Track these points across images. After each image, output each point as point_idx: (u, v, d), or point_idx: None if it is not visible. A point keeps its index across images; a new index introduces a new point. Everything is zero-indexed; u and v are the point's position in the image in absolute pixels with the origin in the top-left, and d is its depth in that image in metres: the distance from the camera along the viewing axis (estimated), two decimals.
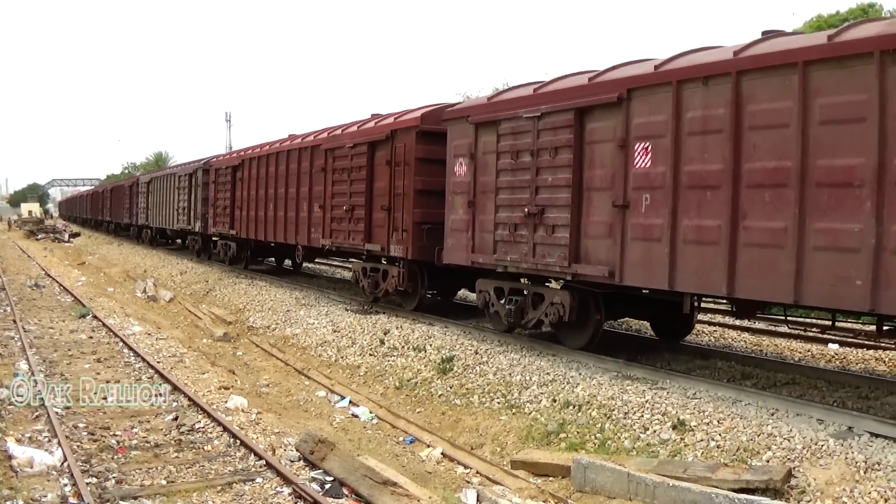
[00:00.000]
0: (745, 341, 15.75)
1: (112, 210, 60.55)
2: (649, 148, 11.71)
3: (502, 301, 15.04)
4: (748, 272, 10.44)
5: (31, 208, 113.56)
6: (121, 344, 16.68)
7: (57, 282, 29.25)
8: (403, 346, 16.03)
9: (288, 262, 30.94)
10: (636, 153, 11.92)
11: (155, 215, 43.42)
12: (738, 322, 16.49)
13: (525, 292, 14.73)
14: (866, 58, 9.24)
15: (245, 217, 29.11)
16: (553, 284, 14.42)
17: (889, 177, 9.02)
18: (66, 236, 66.22)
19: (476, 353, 14.51)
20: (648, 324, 16.02)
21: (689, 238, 11.16)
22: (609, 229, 12.41)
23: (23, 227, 78.56)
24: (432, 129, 17.30)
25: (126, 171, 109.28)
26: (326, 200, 21.66)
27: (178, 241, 41.07)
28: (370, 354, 16.31)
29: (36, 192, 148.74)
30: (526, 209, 13.89)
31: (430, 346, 15.56)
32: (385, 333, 16.99)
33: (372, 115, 21.11)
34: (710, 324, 17.24)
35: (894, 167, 8.99)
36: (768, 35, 11.31)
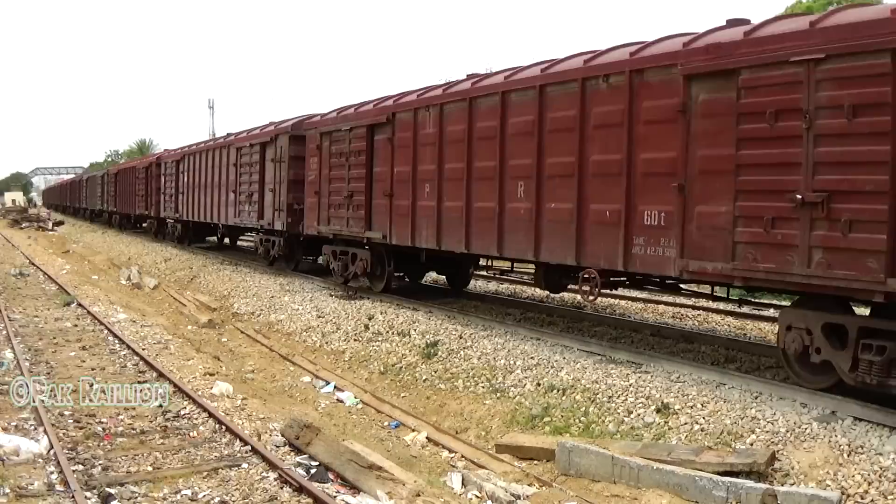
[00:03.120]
0: (728, 325, 15.83)
1: (70, 198, 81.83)
2: None
3: None
4: None
5: (14, 197, 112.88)
6: (106, 331, 16.62)
7: (41, 270, 29.09)
8: (388, 331, 16.05)
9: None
10: None
11: (91, 201, 66.05)
12: (721, 306, 16.53)
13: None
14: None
15: (122, 202, 50.23)
16: None
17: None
18: (51, 225, 65.85)
19: (460, 338, 14.54)
20: None
21: None
22: None
23: (6, 216, 78.13)
24: (300, 134, 22.77)
25: (109, 160, 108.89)
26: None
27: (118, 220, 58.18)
28: (354, 340, 16.32)
29: (19, 181, 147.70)
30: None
31: (415, 330, 15.58)
32: (369, 319, 17.00)
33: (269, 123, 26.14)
34: (693, 308, 17.31)
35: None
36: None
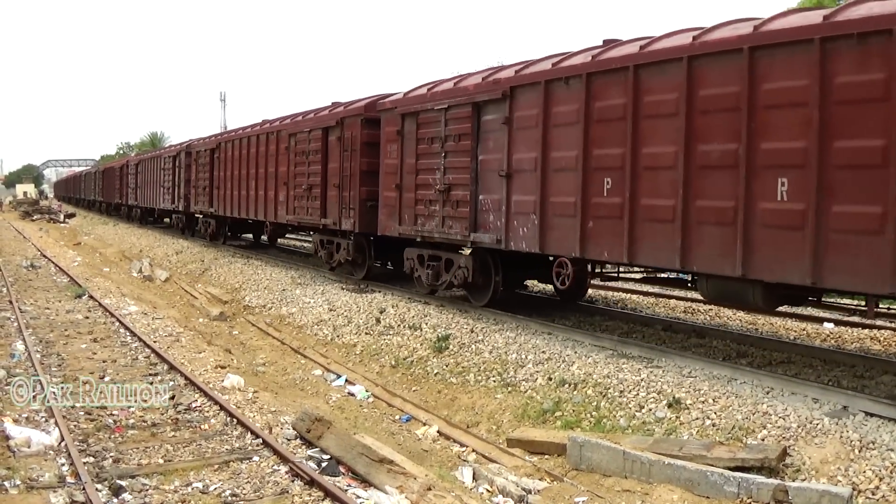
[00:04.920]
0: (740, 320, 15.78)
1: (75, 190, 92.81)
2: None
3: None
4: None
5: (26, 189, 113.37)
6: (117, 324, 16.67)
7: (53, 262, 29.22)
8: (399, 325, 16.05)
9: None
10: None
11: (87, 193, 78.32)
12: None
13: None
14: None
15: (107, 193, 62.27)
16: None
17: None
18: (62, 217, 66.16)
19: (472, 332, 14.53)
20: None
21: None
22: None
23: (18, 207, 78.49)
24: (190, 151, 34.54)
25: (120, 152, 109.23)
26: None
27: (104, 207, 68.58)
28: (366, 333, 16.33)
29: (31, 173, 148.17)
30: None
31: (426, 324, 15.58)
32: (381, 312, 17.01)
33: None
34: (705, 302, 17.24)
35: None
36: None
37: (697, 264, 11.07)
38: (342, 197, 20.09)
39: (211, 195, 32.23)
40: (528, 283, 19.05)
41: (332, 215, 20.79)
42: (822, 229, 9.36)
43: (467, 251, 16.42)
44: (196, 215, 36.01)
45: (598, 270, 14.72)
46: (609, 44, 13.12)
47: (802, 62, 9.57)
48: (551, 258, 14.36)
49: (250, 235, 34.22)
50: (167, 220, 44.33)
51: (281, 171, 24.51)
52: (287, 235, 33.01)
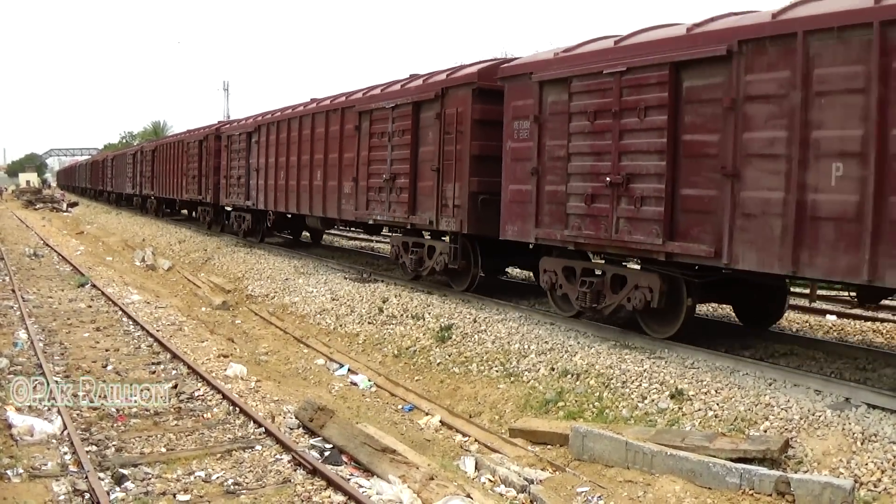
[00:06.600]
0: None
1: (73, 179, 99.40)
2: None
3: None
4: None
5: (28, 178, 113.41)
6: (120, 312, 16.69)
7: (55, 251, 29.24)
8: (402, 315, 16.05)
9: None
10: None
11: (81, 181, 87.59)
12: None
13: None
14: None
15: (94, 181, 73.17)
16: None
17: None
18: (65, 206, 66.16)
19: (474, 322, 14.53)
20: None
21: None
22: None
23: (21, 197, 78.52)
24: (151, 148, 47.77)
25: (123, 141, 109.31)
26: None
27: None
28: (369, 322, 16.33)
29: (34, 162, 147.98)
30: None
31: (429, 314, 15.57)
32: (383, 302, 17.00)
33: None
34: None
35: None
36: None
37: (328, 213, 21.55)
38: (204, 181, 33.44)
39: (152, 182, 45.26)
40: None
41: (204, 193, 33.66)
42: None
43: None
44: (150, 197, 47.38)
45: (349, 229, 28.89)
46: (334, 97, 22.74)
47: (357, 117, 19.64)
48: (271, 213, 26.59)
49: (185, 211, 43.51)
50: (134, 201, 54.19)
51: (183, 167, 36.97)
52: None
